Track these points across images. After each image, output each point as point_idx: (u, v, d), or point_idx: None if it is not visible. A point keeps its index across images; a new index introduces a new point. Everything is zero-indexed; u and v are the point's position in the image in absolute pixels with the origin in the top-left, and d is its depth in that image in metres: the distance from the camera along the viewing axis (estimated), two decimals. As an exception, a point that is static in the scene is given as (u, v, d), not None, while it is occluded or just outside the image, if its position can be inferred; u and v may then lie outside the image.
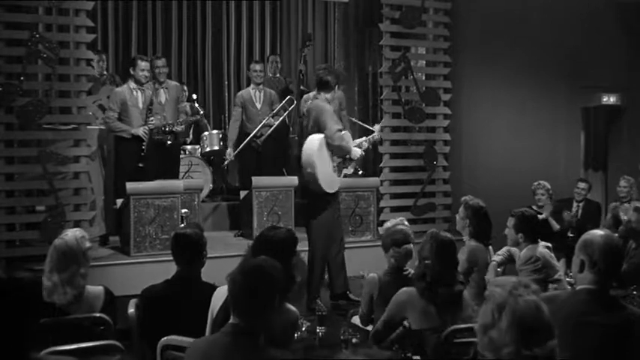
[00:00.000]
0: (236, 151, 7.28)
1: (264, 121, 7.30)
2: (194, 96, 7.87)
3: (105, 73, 7.68)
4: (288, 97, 7.69)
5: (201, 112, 7.38)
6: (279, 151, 7.91)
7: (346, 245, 5.65)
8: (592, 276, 2.75)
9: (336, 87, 5.44)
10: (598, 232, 2.84)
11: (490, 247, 4.59)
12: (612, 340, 2.67)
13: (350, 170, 5.98)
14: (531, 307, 1.97)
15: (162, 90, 6.78)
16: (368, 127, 5.91)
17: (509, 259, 4.74)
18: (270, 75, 8.44)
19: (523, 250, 4.32)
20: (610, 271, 2.77)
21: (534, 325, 1.95)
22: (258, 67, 7.55)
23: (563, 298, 2.84)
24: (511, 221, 4.39)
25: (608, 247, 2.76)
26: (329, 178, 5.31)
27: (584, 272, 2.78)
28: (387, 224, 4.15)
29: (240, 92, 7.77)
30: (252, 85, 7.56)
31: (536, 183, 6.93)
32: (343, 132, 5.37)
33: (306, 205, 5.61)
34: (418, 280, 3.37)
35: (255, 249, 3.17)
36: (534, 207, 6.56)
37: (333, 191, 5.36)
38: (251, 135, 7.24)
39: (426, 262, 3.38)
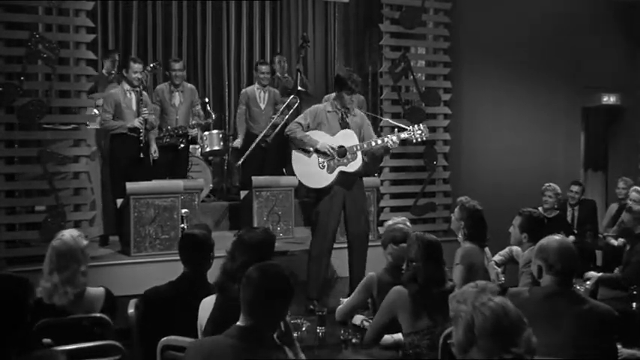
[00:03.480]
0: (249, 150, 7.26)
1: (272, 121, 7.34)
2: (206, 99, 7.93)
3: (113, 72, 7.73)
4: (292, 96, 7.70)
5: (213, 117, 7.42)
6: (282, 151, 7.93)
7: (346, 245, 5.62)
8: (551, 277, 2.96)
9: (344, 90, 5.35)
10: (554, 237, 3.04)
11: (486, 249, 4.57)
12: (580, 332, 2.82)
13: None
14: (499, 313, 2.00)
15: (177, 92, 6.78)
16: (401, 125, 5.67)
17: (510, 260, 4.72)
18: (279, 75, 8.47)
19: (526, 251, 4.30)
20: (567, 272, 2.97)
21: (507, 326, 1.99)
22: (264, 68, 7.62)
23: (528, 296, 3.01)
24: (517, 220, 4.38)
25: (563, 249, 2.96)
26: (310, 174, 5.27)
27: (543, 276, 2.99)
28: (389, 222, 4.15)
29: (244, 90, 7.86)
30: (257, 85, 7.59)
31: (546, 184, 6.83)
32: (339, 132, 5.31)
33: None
34: (409, 283, 3.37)
35: (234, 251, 3.17)
36: (540, 208, 6.47)
37: (317, 187, 5.30)
38: (260, 136, 7.26)
39: (414, 264, 3.38)
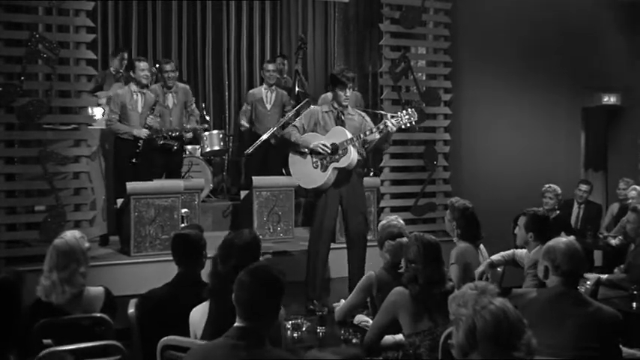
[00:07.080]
0: (258, 142, 7.26)
1: (283, 120, 7.38)
2: (202, 104, 7.93)
3: (121, 71, 7.72)
4: (307, 99, 7.71)
5: (208, 122, 7.45)
6: (283, 151, 7.93)
7: (345, 245, 5.61)
8: (557, 278, 3.00)
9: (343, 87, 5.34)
10: (561, 239, 3.08)
11: (481, 246, 4.57)
12: (583, 334, 2.84)
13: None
14: (499, 316, 1.99)
15: (170, 94, 6.78)
16: (382, 112, 5.64)
17: (511, 262, 4.70)
18: (278, 76, 8.47)
19: (532, 251, 4.28)
20: (573, 273, 3.02)
21: (507, 330, 1.99)
22: (271, 66, 7.65)
23: (535, 296, 3.05)
24: (522, 220, 4.37)
25: (570, 251, 3.00)
26: (305, 175, 5.30)
27: (550, 277, 3.03)
28: (383, 222, 4.15)
29: (251, 90, 7.94)
30: (264, 85, 7.64)
31: (547, 186, 6.80)
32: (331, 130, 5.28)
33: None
34: (410, 284, 3.37)
35: (224, 255, 3.18)
36: (541, 209, 6.43)
37: (312, 187, 5.32)
38: (269, 132, 7.25)
39: (414, 265, 3.38)
